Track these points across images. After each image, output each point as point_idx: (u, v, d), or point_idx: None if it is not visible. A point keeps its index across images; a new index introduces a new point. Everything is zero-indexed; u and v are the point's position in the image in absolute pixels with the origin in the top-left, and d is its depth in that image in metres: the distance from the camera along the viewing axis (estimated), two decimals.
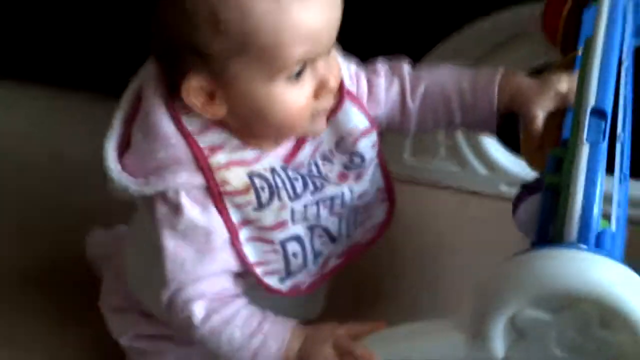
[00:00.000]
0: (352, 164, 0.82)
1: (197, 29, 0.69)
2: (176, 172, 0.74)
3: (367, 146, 0.82)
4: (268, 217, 0.78)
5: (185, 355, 0.91)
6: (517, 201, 0.73)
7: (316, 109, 0.76)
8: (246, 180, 0.76)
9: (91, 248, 1.08)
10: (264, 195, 0.77)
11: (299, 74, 0.72)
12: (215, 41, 0.69)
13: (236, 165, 0.76)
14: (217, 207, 0.76)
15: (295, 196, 0.79)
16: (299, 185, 0.79)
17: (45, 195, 1.23)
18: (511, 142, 1.13)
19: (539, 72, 0.87)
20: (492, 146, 1.15)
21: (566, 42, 0.89)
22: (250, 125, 0.75)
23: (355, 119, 0.81)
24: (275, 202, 0.78)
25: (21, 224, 1.19)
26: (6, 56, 1.41)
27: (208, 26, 0.69)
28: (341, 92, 0.80)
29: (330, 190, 0.82)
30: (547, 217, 0.68)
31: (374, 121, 0.83)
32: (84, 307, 1.01)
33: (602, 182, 0.65)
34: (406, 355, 0.70)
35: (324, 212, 0.82)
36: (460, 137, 1.14)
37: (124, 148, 0.77)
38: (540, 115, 0.78)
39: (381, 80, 0.84)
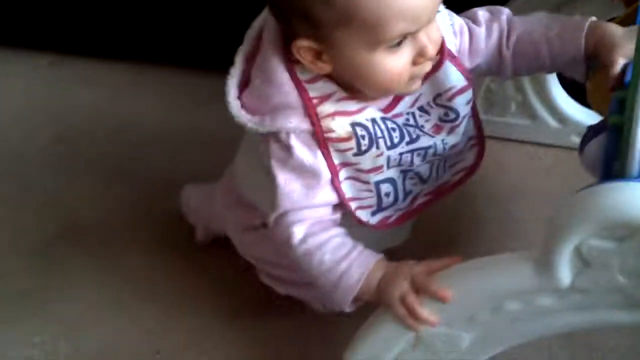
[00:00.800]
0: (447, 117, 0.88)
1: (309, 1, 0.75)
2: (288, 117, 0.82)
3: (462, 103, 0.88)
4: (366, 162, 0.85)
5: None
6: (584, 142, 0.77)
7: (414, 74, 0.81)
8: (349, 129, 0.83)
9: (186, 198, 1.16)
10: (364, 143, 0.84)
11: (399, 44, 0.77)
12: (323, 11, 0.75)
13: (340, 115, 0.83)
14: (321, 150, 0.83)
15: (392, 145, 0.85)
16: (396, 136, 0.85)
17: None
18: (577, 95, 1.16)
19: None
20: (562, 98, 1.18)
21: None
22: (353, 84, 0.82)
23: (454, 77, 0.86)
24: (374, 150, 0.84)
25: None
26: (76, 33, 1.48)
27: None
28: (442, 52, 0.84)
29: (424, 141, 0.88)
30: (611, 154, 0.71)
31: (470, 79, 0.88)
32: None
33: None
34: (479, 286, 0.75)
35: (417, 159, 0.88)
36: (530, 91, 1.17)
37: (244, 84, 0.85)
38: (619, 61, 0.80)
39: (482, 30, 0.88)
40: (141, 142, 1.35)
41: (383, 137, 0.85)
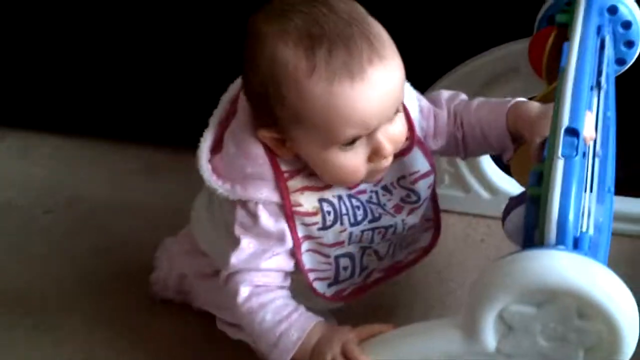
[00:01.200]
0: (409, 199, 0.92)
1: (268, 95, 0.80)
2: (259, 188, 0.85)
3: (424, 187, 0.92)
4: (329, 236, 0.88)
5: None
6: (505, 213, 0.82)
7: (372, 169, 0.84)
8: (316, 204, 0.87)
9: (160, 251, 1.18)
10: (329, 219, 0.87)
11: (352, 143, 0.80)
12: (280, 110, 0.80)
13: (309, 190, 0.86)
14: (287, 223, 0.86)
15: (356, 223, 0.89)
16: (360, 213, 0.89)
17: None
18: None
19: None
20: (493, 171, 1.23)
21: (550, 74, 0.97)
22: (322, 176, 0.85)
23: (419, 162, 0.91)
24: (338, 226, 0.88)
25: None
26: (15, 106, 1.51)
27: (275, 96, 0.79)
28: (412, 138, 0.89)
29: (386, 220, 0.91)
30: (531, 224, 0.76)
31: (434, 165, 0.92)
32: None
33: (577, 191, 0.73)
34: (412, 352, 0.78)
35: (377, 237, 0.92)
36: (462, 164, 1.22)
37: (215, 146, 0.89)
38: (536, 139, 0.84)
39: (444, 113, 0.93)
40: (85, 214, 1.36)
41: (347, 214, 0.88)
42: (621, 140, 0.99)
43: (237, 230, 0.86)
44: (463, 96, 0.95)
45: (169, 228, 1.19)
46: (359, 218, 0.89)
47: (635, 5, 1.00)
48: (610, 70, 0.98)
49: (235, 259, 0.86)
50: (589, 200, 0.78)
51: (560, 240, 0.71)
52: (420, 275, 1.21)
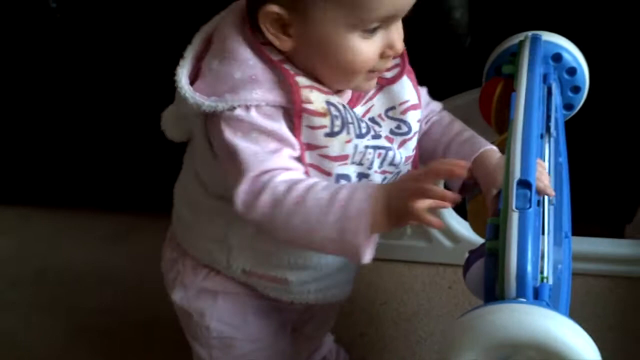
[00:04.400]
0: (399, 130, 0.87)
1: None
2: (252, 90, 0.78)
3: (414, 119, 0.88)
4: (335, 146, 0.80)
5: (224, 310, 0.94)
6: (466, 267, 0.83)
7: (376, 67, 0.81)
8: (324, 105, 0.80)
9: None
10: (337, 124, 0.80)
11: (373, 31, 0.78)
12: None
13: (317, 90, 0.80)
14: (293, 123, 0.79)
15: (360, 134, 0.82)
16: (363, 126, 0.83)
17: None
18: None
19: None
20: (453, 219, 1.24)
21: (500, 125, 0.99)
22: (311, 65, 0.80)
23: (409, 92, 0.87)
24: (344, 134, 0.80)
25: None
26: None
27: None
28: (403, 64, 0.86)
29: (384, 142, 0.85)
30: (491, 278, 0.76)
31: (421, 100, 0.89)
32: None
33: (533, 242, 0.74)
34: None
35: (377, 161, 0.84)
36: None
37: (192, 81, 0.81)
38: (492, 191, 0.84)
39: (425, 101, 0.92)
40: (53, 285, 1.36)
41: (353, 123, 0.82)
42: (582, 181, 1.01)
43: (235, 140, 0.78)
44: (435, 104, 0.95)
45: (138, 293, 1.19)
46: (364, 131, 0.83)
47: (578, 51, 1.03)
48: (559, 116, 1.01)
49: (245, 161, 0.77)
50: (547, 246, 0.79)
51: (520, 293, 0.72)
52: (390, 325, 1.22)
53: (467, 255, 0.83)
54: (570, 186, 0.98)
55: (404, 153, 0.88)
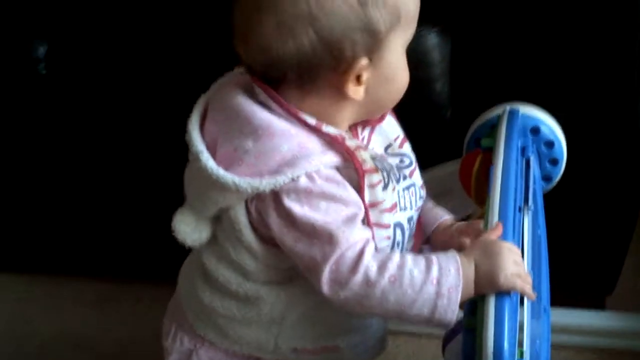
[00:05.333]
0: (403, 163, 0.88)
1: (366, 9, 0.76)
2: (307, 157, 0.77)
3: (409, 149, 0.91)
4: (389, 198, 0.82)
5: None
6: (445, 342, 0.83)
7: None
8: (372, 162, 0.81)
9: None
10: (384, 175, 0.82)
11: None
12: (381, 15, 0.76)
13: (361, 149, 0.81)
14: (359, 185, 0.79)
15: (397, 179, 0.84)
16: (394, 171, 0.85)
17: None
18: None
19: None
20: None
21: (480, 197, 1.00)
22: (379, 99, 0.82)
23: (396, 127, 0.90)
24: (392, 183, 0.83)
25: None
26: None
27: (374, 4, 0.76)
28: None
29: (409, 179, 0.87)
30: (469, 355, 0.76)
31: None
32: None
33: (510, 319, 0.74)
34: None
35: (412, 200, 0.86)
36: None
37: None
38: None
39: None
40: (36, 354, 1.35)
41: (392, 170, 0.84)
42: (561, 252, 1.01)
43: (305, 212, 0.77)
44: None
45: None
46: (397, 175, 0.85)
47: (556, 124, 1.04)
48: (537, 188, 1.02)
49: (327, 239, 0.76)
50: (526, 318, 0.79)
51: None
52: None
53: (446, 331, 0.83)
54: (549, 257, 0.98)
55: (418, 182, 0.90)
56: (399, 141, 0.90)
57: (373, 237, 0.81)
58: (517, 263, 0.78)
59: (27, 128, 1.36)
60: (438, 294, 0.76)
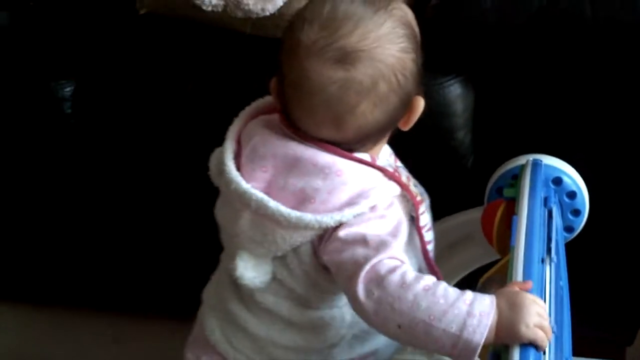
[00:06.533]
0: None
1: (418, 51, 0.84)
2: (375, 188, 0.83)
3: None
4: (426, 221, 0.91)
5: None
6: None
7: None
8: (415, 189, 0.91)
9: None
10: (424, 197, 0.92)
11: None
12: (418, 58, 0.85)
13: (410, 180, 0.91)
14: (415, 215, 0.88)
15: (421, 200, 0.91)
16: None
17: None
18: None
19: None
20: None
21: (502, 246, 1.00)
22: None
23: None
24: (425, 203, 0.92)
25: None
26: None
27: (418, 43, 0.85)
28: None
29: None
30: None
31: None
32: None
33: None
34: None
35: (428, 215, 0.93)
36: None
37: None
38: None
39: None
40: None
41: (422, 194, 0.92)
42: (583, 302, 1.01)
43: (355, 230, 0.82)
44: None
45: None
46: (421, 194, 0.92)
47: (577, 175, 1.05)
48: (559, 239, 1.02)
49: (373, 246, 0.81)
50: None
51: None
52: None
53: None
54: (570, 309, 0.98)
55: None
56: (393, 158, 0.94)
57: (428, 258, 0.90)
58: (541, 315, 0.78)
59: (52, 167, 1.37)
60: (469, 313, 0.76)
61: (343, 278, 0.83)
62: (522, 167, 1.02)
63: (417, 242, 0.90)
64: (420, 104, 0.86)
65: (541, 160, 1.03)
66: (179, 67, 1.28)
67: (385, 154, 0.93)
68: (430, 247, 0.92)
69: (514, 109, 1.17)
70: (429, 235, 0.91)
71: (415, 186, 0.92)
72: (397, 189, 0.86)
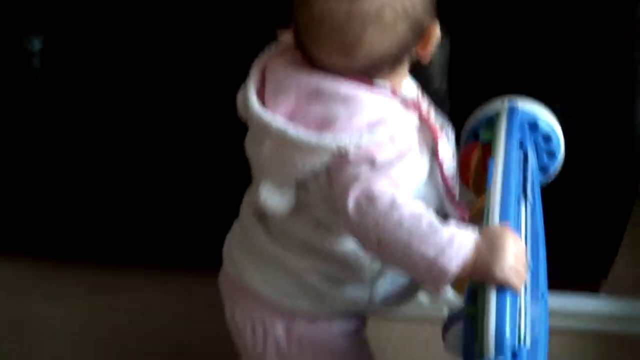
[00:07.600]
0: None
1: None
2: (394, 116, 0.86)
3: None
4: (445, 151, 0.92)
5: None
6: (445, 330, 0.85)
7: None
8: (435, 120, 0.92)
9: None
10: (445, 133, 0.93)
11: None
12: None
13: (430, 111, 0.92)
14: (434, 148, 0.89)
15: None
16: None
17: None
18: None
19: None
20: None
21: (478, 188, 1.02)
22: (428, 55, 0.90)
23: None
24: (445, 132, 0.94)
25: None
26: None
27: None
28: None
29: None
30: (469, 339, 0.79)
31: None
32: None
33: (512, 306, 0.77)
34: None
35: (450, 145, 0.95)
36: None
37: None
38: None
39: None
40: (28, 340, 1.36)
41: (442, 126, 0.94)
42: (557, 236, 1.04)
43: (391, 159, 0.84)
44: None
45: (118, 350, 1.19)
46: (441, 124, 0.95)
47: (553, 119, 1.07)
48: (535, 180, 1.04)
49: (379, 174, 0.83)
50: (525, 304, 0.81)
51: (499, 352, 0.74)
52: None
53: (445, 317, 0.85)
54: (545, 242, 1.01)
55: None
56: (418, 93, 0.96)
57: (446, 182, 0.91)
58: (518, 257, 0.81)
59: (23, 122, 1.35)
60: (450, 241, 0.80)
61: (339, 189, 0.85)
62: (499, 111, 1.04)
63: (438, 176, 0.92)
64: (435, 32, 0.88)
65: (517, 104, 1.04)
66: (152, 19, 1.27)
67: (410, 88, 0.95)
68: (451, 179, 0.93)
69: (488, 53, 1.18)
70: (450, 166, 0.93)
71: (436, 117, 0.94)
72: (415, 120, 0.88)
